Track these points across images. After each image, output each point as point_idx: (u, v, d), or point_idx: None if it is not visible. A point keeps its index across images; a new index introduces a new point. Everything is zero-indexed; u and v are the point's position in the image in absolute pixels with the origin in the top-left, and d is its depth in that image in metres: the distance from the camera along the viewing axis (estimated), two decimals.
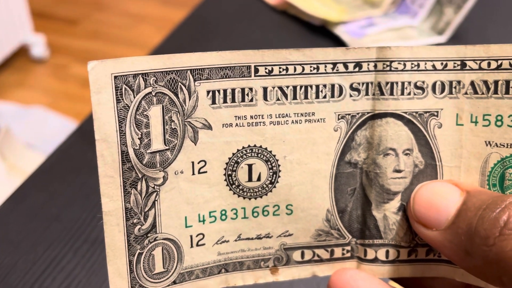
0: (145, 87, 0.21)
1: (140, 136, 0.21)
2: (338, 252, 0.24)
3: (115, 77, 0.20)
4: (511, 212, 0.18)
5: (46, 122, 1.42)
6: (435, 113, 0.23)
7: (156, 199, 0.22)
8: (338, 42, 0.59)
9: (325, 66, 0.22)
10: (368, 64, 0.22)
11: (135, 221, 0.21)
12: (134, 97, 0.20)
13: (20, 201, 0.40)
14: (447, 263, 0.23)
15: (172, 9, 1.90)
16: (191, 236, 0.23)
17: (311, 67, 0.22)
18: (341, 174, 0.23)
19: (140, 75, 0.20)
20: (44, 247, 0.37)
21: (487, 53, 0.22)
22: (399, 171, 0.23)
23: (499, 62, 0.22)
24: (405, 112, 0.23)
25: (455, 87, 0.22)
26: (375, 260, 0.24)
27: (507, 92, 0.22)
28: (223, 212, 0.23)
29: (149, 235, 0.22)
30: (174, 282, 0.23)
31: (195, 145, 0.22)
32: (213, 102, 0.22)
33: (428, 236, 0.21)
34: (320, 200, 0.23)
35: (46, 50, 1.71)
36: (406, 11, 0.63)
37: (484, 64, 0.22)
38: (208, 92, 0.22)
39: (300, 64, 0.22)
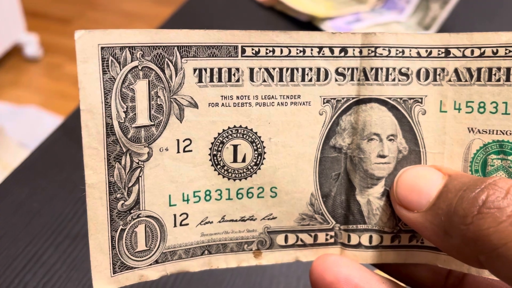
0: (132, 61, 0.21)
1: (125, 109, 0.21)
2: (321, 237, 0.24)
3: (102, 48, 0.20)
4: (489, 192, 0.18)
5: (39, 121, 1.42)
6: (419, 100, 0.23)
7: (140, 175, 0.22)
8: None
9: (311, 50, 0.22)
10: (354, 50, 0.22)
11: (118, 195, 0.21)
12: (121, 70, 0.20)
13: (2, 196, 0.40)
14: (429, 250, 0.23)
15: (166, 7, 1.90)
16: (174, 215, 0.23)
17: (297, 49, 0.22)
18: (325, 158, 0.23)
19: (127, 48, 0.20)
20: (25, 242, 0.37)
21: (470, 41, 0.22)
22: (383, 156, 0.23)
23: (482, 50, 0.22)
24: (390, 98, 0.23)
25: (439, 74, 0.22)
26: (358, 245, 0.24)
27: (489, 79, 0.22)
28: (208, 193, 0.23)
29: (132, 211, 0.22)
30: (157, 262, 0.23)
31: (181, 122, 0.22)
32: (200, 81, 0.22)
33: (409, 218, 0.21)
34: (304, 183, 0.23)
35: (39, 50, 1.70)
36: (393, 7, 0.63)
37: (467, 52, 0.22)
38: (194, 70, 0.21)
39: (286, 47, 0.22)
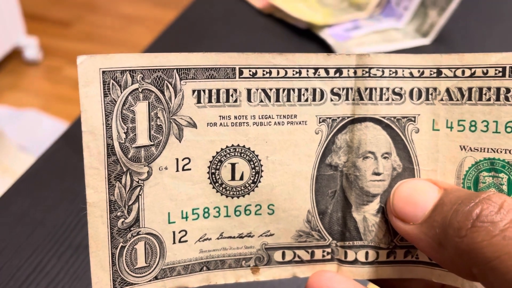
0: (132, 83, 0.21)
1: (126, 130, 0.21)
2: (318, 253, 0.24)
3: (103, 72, 0.21)
4: (483, 206, 0.19)
5: (39, 124, 1.42)
6: (413, 119, 0.23)
7: (140, 193, 0.22)
8: (323, 45, 0.59)
9: (307, 71, 0.23)
10: (348, 70, 0.23)
11: (118, 214, 0.22)
12: (121, 92, 0.21)
13: (5, 207, 0.40)
14: (424, 265, 0.24)
15: (164, 10, 1.90)
16: (173, 232, 0.23)
17: (293, 71, 0.23)
18: (322, 176, 0.24)
19: (127, 72, 0.21)
20: (28, 253, 0.37)
21: (461, 62, 0.23)
22: (378, 174, 0.23)
23: (473, 70, 0.23)
24: (384, 117, 0.23)
25: (431, 94, 0.23)
26: (355, 261, 0.24)
27: (480, 98, 0.23)
28: (206, 210, 0.23)
29: (132, 228, 0.22)
30: (156, 278, 0.23)
31: (180, 142, 0.22)
32: (198, 101, 0.22)
33: (405, 230, 0.22)
34: (301, 201, 0.24)
35: (39, 53, 1.71)
36: (391, 14, 0.63)
37: (458, 72, 0.23)
38: (193, 91, 0.22)
39: (283, 68, 0.23)
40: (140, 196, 0.22)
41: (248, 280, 0.24)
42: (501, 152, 0.22)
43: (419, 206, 0.21)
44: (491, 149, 0.23)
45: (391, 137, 0.23)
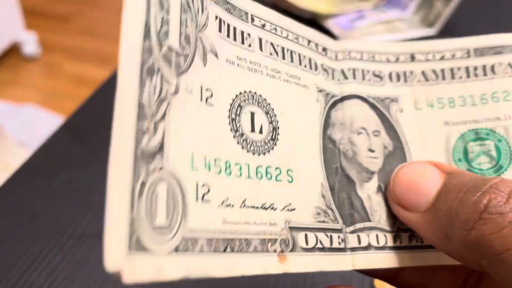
0: None
1: (161, 18, 0.18)
2: (335, 240, 0.22)
3: None
4: (491, 196, 0.18)
5: (38, 120, 1.41)
6: (395, 99, 0.25)
7: (166, 112, 0.18)
8: (328, 35, 0.58)
9: (303, 39, 0.24)
10: (331, 53, 0.25)
11: (145, 125, 0.17)
12: None
13: (5, 196, 0.40)
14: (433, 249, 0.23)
15: None
16: (196, 185, 0.19)
17: (293, 35, 0.24)
18: (326, 148, 0.23)
19: None
20: (29, 243, 0.37)
21: (431, 47, 0.25)
22: (371, 150, 0.24)
23: (442, 54, 0.25)
24: (369, 96, 0.25)
25: (408, 76, 0.25)
26: (368, 247, 0.23)
27: (452, 77, 0.25)
28: (228, 165, 0.20)
29: (156, 157, 0.17)
30: (177, 249, 0.18)
31: (204, 67, 0.20)
32: (220, 31, 0.21)
33: (408, 218, 0.21)
34: (315, 170, 0.23)
35: (38, 48, 1.70)
36: (396, 4, 0.63)
37: (430, 56, 0.25)
38: (216, 17, 0.21)
39: (286, 30, 0.24)
40: (166, 115, 0.18)
41: (277, 272, 0.20)
42: (481, 121, 0.24)
43: (421, 192, 0.20)
44: (472, 120, 0.24)
45: (378, 116, 0.24)
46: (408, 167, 0.22)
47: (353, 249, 0.23)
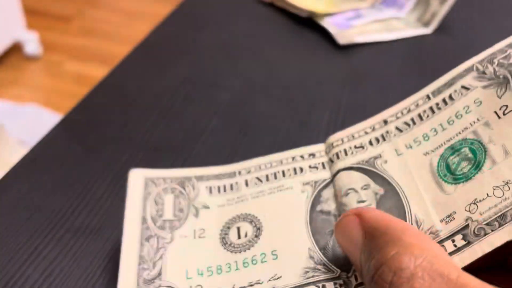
0: (164, 184, 0.32)
1: (156, 209, 0.30)
2: (330, 286, 0.25)
3: (145, 177, 0.32)
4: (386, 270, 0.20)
5: (39, 119, 1.42)
6: (378, 156, 0.29)
7: (164, 253, 0.28)
8: (324, 33, 0.59)
9: (287, 159, 0.32)
10: (320, 152, 0.32)
11: (145, 266, 0.28)
12: (156, 188, 0.31)
13: (3, 191, 0.40)
14: None
15: (166, 6, 1.90)
16: (190, 287, 0.27)
17: (275, 162, 0.32)
18: (315, 220, 0.28)
19: (161, 178, 0.32)
20: (26, 237, 0.37)
21: (398, 108, 0.30)
22: (362, 201, 0.27)
23: (407, 108, 0.30)
24: (353, 164, 0.29)
25: (386, 136, 0.30)
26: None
27: (421, 119, 0.29)
28: (219, 267, 0.28)
29: (155, 280, 0.27)
30: None
31: (197, 218, 0.30)
32: (210, 193, 0.31)
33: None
34: (301, 242, 0.27)
35: (39, 48, 1.70)
36: (392, 3, 0.63)
37: (399, 114, 0.30)
38: (206, 187, 0.31)
39: (268, 163, 0.32)
40: (163, 256, 0.28)
41: None
42: (454, 138, 0.27)
43: (350, 255, 0.23)
44: (446, 141, 0.27)
45: (365, 173, 0.28)
46: (340, 220, 0.25)
47: (358, 285, 0.25)
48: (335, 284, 0.25)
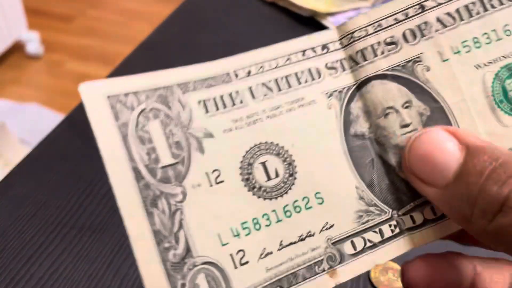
0: (139, 104, 0.21)
1: (146, 151, 0.20)
2: (386, 230, 0.23)
3: (108, 97, 0.20)
4: None
5: (41, 118, 1.42)
6: (418, 59, 0.23)
7: (182, 218, 0.20)
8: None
9: (296, 55, 0.23)
10: (334, 44, 0.23)
11: (166, 245, 0.20)
12: (131, 114, 0.20)
13: (8, 188, 0.40)
14: None
15: (166, 6, 1.90)
16: (231, 256, 0.21)
17: (283, 59, 0.23)
18: (353, 148, 0.23)
19: (131, 93, 0.21)
20: (31, 234, 0.37)
21: None
22: (406, 125, 0.23)
23: None
24: (387, 70, 0.23)
25: (424, 29, 0.23)
26: (425, 222, 0.23)
27: (470, 15, 0.23)
28: (255, 221, 0.22)
29: (186, 260, 0.20)
30: None
31: (203, 155, 0.21)
32: (207, 111, 0.22)
33: (424, 191, 0.21)
34: (345, 178, 0.23)
35: (41, 47, 1.71)
36: None
37: (440, 0, 0.23)
38: (199, 101, 0.22)
39: (273, 60, 0.23)
40: (182, 221, 0.20)
41: (332, 287, 0.22)
42: (510, 55, 0.23)
43: (439, 168, 0.20)
44: (502, 56, 0.23)
45: (404, 85, 0.23)
46: (424, 136, 0.21)
47: (410, 229, 0.23)
48: (389, 226, 0.22)
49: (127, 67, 0.55)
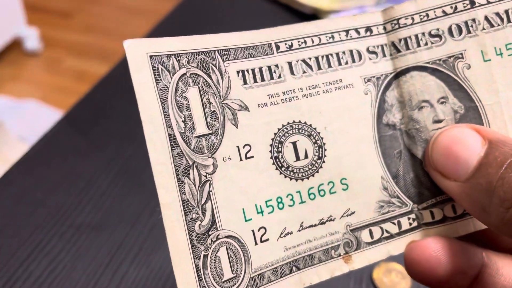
0: (180, 68, 0.20)
1: (183, 119, 0.20)
2: (405, 223, 0.23)
3: (151, 56, 0.20)
4: None
5: (39, 115, 1.41)
6: (460, 56, 0.23)
7: (211, 190, 0.21)
8: None
9: (339, 34, 0.23)
10: (378, 28, 0.23)
11: (194, 216, 0.20)
12: (171, 78, 0.20)
13: (6, 186, 0.40)
14: None
15: (166, 2, 1.89)
16: (253, 232, 0.21)
17: (326, 37, 0.23)
18: (383, 137, 0.23)
19: (173, 56, 0.20)
20: (29, 232, 0.37)
21: None
22: (439, 121, 0.22)
23: None
24: (428, 62, 0.23)
25: (471, 26, 0.23)
26: (444, 219, 0.23)
27: None
28: (279, 200, 0.22)
29: (210, 232, 0.20)
30: None
31: (237, 128, 0.21)
32: (245, 82, 0.22)
33: (445, 186, 0.21)
34: (372, 167, 0.23)
35: (39, 44, 1.70)
36: (397, 1, 0.63)
37: None
38: (238, 72, 0.21)
39: (316, 35, 0.22)
40: (211, 193, 0.21)
41: (343, 272, 0.22)
42: None
43: (461, 162, 0.20)
44: None
45: (443, 80, 0.23)
46: (448, 132, 0.21)
47: (427, 224, 0.23)
48: (408, 219, 0.23)
49: (125, 65, 0.54)
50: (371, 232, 0.23)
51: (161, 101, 0.20)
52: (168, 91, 0.20)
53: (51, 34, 1.78)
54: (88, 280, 0.34)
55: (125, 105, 0.48)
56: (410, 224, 0.23)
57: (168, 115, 0.20)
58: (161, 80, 0.20)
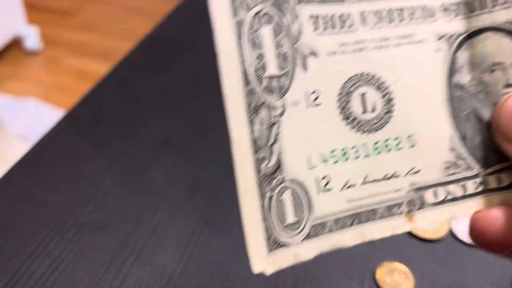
0: (255, 5, 0.20)
1: (256, 56, 0.20)
2: (470, 186, 0.22)
3: None
4: None
5: (39, 114, 1.41)
6: None
7: (278, 132, 0.20)
8: None
9: None
10: None
11: (261, 155, 0.20)
12: (247, 13, 0.20)
13: (7, 185, 0.40)
14: None
15: (167, 1, 1.89)
16: (316, 180, 0.21)
17: None
18: (453, 98, 0.22)
19: None
20: (31, 231, 0.37)
21: None
22: (510, 85, 0.22)
23: None
24: (504, 23, 0.22)
25: None
26: (510, 185, 0.22)
27: None
28: (344, 151, 0.22)
29: (275, 174, 0.20)
30: (308, 236, 0.21)
31: (306, 73, 0.21)
32: (316, 28, 0.21)
33: (510, 152, 0.20)
34: (441, 126, 0.22)
35: (39, 42, 1.70)
36: None
37: None
38: (310, 16, 0.21)
39: None
40: (278, 135, 0.20)
41: (405, 230, 0.22)
42: None
43: None
44: None
45: None
46: None
47: (493, 190, 0.22)
48: (474, 183, 0.22)
49: (128, 63, 0.54)
50: (435, 193, 0.22)
51: (237, 35, 0.19)
52: (242, 27, 0.20)
53: (51, 33, 1.78)
54: (90, 279, 0.34)
55: (127, 105, 0.48)
56: (476, 187, 0.22)
57: (243, 50, 0.20)
58: (238, 14, 0.19)
